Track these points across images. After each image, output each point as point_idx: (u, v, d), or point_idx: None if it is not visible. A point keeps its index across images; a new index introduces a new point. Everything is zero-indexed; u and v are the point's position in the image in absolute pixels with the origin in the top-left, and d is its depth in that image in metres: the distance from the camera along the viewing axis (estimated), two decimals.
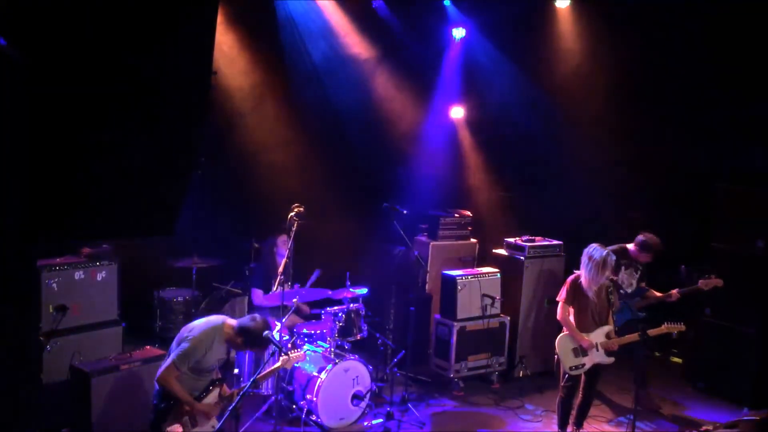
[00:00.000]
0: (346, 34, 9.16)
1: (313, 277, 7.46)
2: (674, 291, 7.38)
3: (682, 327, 6.80)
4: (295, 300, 7.10)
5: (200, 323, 5.33)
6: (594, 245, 6.37)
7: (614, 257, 6.33)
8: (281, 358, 5.52)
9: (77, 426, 5.94)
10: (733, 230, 7.96)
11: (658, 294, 7.43)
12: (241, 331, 5.29)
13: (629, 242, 7.51)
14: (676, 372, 8.79)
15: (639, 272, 7.47)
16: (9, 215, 3.14)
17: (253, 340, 5.31)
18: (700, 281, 7.31)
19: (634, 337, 6.67)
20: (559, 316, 6.50)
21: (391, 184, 9.27)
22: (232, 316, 6.12)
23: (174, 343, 5.30)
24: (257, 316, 5.42)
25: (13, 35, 2.86)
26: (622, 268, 7.43)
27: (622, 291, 7.35)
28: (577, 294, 6.41)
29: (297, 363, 6.70)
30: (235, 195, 8.86)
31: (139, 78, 3.21)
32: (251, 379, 5.37)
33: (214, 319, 5.40)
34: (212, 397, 5.36)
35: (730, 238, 7.98)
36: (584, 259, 6.35)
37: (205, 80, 3.53)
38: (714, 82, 8.41)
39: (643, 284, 7.49)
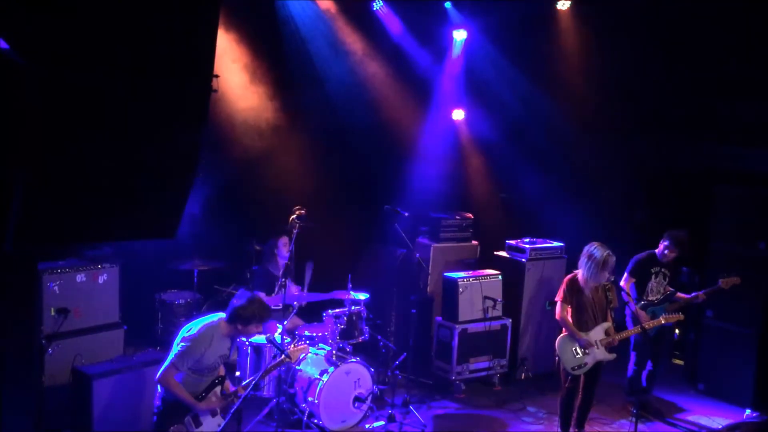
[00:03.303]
0: (347, 36, 9.17)
1: (308, 273, 7.43)
2: (700, 293, 7.26)
3: (680, 316, 6.84)
4: (296, 303, 7.12)
5: (198, 323, 5.34)
6: (594, 244, 6.38)
7: (614, 258, 6.32)
8: (282, 357, 5.52)
9: (78, 428, 5.94)
10: (734, 232, 7.96)
11: (686, 296, 7.32)
12: (232, 317, 5.28)
13: (654, 248, 7.37)
14: (678, 374, 8.79)
15: (667, 279, 7.35)
16: (10, 218, 3.14)
17: (247, 317, 5.28)
18: (721, 281, 7.20)
19: (633, 331, 6.70)
20: (557, 316, 6.51)
21: (392, 186, 9.27)
22: None
23: (174, 344, 5.31)
24: (239, 296, 5.38)
25: (11, 38, 2.87)
26: (652, 276, 7.31)
27: (650, 299, 7.27)
28: (574, 292, 6.42)
29: (299, 365, 6.75)
30: (237, 198, 8.86)
31: (141, 81, 3.21)
32: (255, 377, 5.38)
33: (212, 317, 5.41)
34: (213, 394, 5.37)
35: (730, 240, 7.98)
36: (583, 257, 6.37)
37: (207, 83, 3.53)
38: (715, 84, 8.41)
39: (669, 289, 7.35)
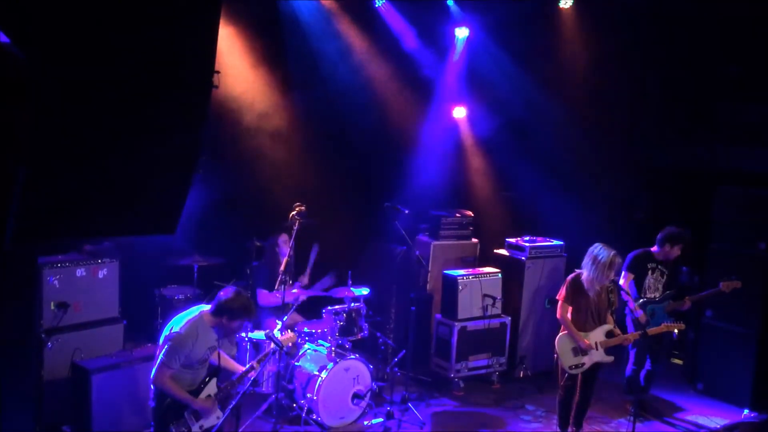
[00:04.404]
0: (348, 33, 9.15)
1: (312, 256, 7.45)
2: (686, 299, 7.23)
3: (681, 326, 6.82)
4: (296, 298, 7.13)
5: (180, 319, 5.29)
6: (599, 245, 6.35)
7: (620, 259, 6.31)
8: (271, 345, 5.54)
9: (78, 423, 5.96)
10: (734, 232, 7.96)
11: (672, 302, 7.27)
12: (218, 310, 5.24)
13: (651, 246, 7.35)
14: (676, 373, 8.80)
15: (665, 276, 7.34)
16: (9, 215, 3.14)
17: (233, 311, 5.24)
18: (722, 283, 7.18)
19: (633, 336, 6.70)
20: (558, 315, 6.50)
21: (392, 183, 9.26)
22: None
23: (162, 342, 5.26)
24: (226, 289, 5.36)
25: (11, 32, 2.87)
26: (649, 272, 7.29)
27: (649, 296, 7.26)
28: (576, 293, 6.41)
29: (298, 361, 6.76)
30: (237, 194, 8.85)
31: (141, 76, 3.21)
32: (248, 367, 5.40)
33: (192, 311, 5.35)
34: (211, 387, 5.36)
35: (730, 240, 7.98)
36: (588, 258, 6.34)
37: (208, 79, 3.52)
38: (716, 84, 8.41)
39: (667, 289, 7.32)
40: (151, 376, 5.17)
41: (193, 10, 3.31)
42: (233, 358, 7.06)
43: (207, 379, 5.36)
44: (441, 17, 9.56)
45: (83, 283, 6.58)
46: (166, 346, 5.13)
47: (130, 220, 3.53)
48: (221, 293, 5.33)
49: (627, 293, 6.90)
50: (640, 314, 7.03)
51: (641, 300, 7.22)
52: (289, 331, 6.18)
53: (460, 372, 7.93)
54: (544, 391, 7.89)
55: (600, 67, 9.12)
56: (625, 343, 6.54)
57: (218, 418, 5.30)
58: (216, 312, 5.26)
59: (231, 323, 5.31)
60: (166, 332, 5.24)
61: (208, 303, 5.49)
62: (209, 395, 5.33)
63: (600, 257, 6.22)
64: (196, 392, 5.27)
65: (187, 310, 5.41)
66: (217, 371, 5.45)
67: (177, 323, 5.25)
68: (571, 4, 9.15)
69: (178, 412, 5.17)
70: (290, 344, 6.14)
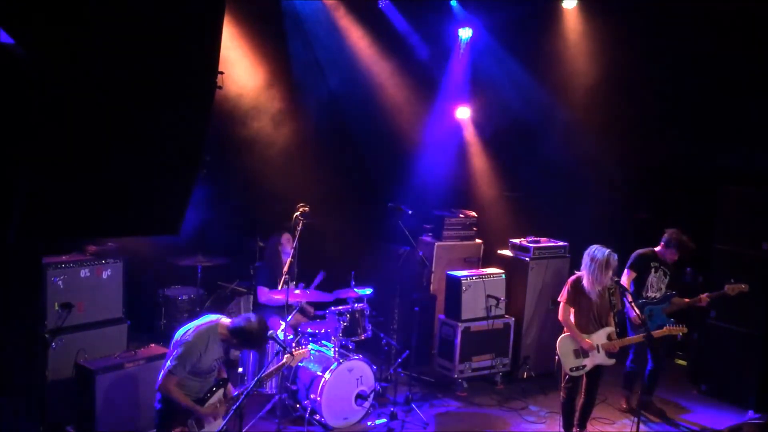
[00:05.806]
0: (351, 33, 9.16)
1: (318, 279, 7.46)
2: (703, 296, 7.21)
3: (684, 329, 6.80)
4: (300, 300, 7.12)
5: (194, 325, 5.27)
6: (595, 246, 6.36)
7: (616, 257, 6.30)
8: (285, 356, 5.51)
9: (81, 423, 5.96)
10: (738, 232, 7.94)
11: (686, 300, 7.27)
12: (236, 331, 5.21)
13: (656, 245, 7.37)
14: (681, 374, 8.78)
15: (668, 277, 7.33)
16: (14, 213, 3.15)
17: (248, 340, 5.24)
18: (727, 286, 7.17)
19: (635, 339, 6.68)
20: (560, 317, 6.49)
21: (396, 184, 9.27)
22: (236, 315, 6.15)
23: (171, 348, 5.26)
24: (252, 315, 5.33)
25: (15, 33, 2.87)
26: (652, 270, 7.30)
27: (649, 296, 7.25)
28: (578, 295, 6.40)
29: (301, 362, 6.76)
30: (241, 194, 8.87)
31: (145, 76, 3.21)
32: (255, 379, 5.37)
33: (208, 319, 5.33)
34: (216, 397, 5.34)
35: (734, 240, 7.96)
36: (586, 260, 6.34)
37: (211, 79, 3.53)
38: (720, 83, 8.38)
39: (670, 291, 7.31)
40: (158, 382, 5.15)
41: (197, 11, 3.31)
42: (237, 358, 7.10)
43: (214, 389, 5.34)
44: (444, 18, 9.56)
45: (87, 284, 6.59)
46: (175, 352, 5.12)
47: (134, 220, 3.54)
48: (247, 318, 5.26)
49: (627, 290, 6.89)
50: (634, 315, 6.93)
51: (640, 300, 7.20)
52: (303, 347, 6.14)
53: (464, 372, 7.93)
54: (547, 392, 7.88)
55: (603, 66, 9.10)
56: (620, 346, 6.50)
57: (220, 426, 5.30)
58: (232, 331, 5.22)
59: (238, 346, 5.41)
60: (177, 337, 5.23)
61: (228, 316, 5.49)
62: (215, 405, 5.30)
63: (596, 257, 6.25)
64: (202, 401, 5.25)
65: (203, 317, 5.40)
66: (225, 382, 5.44)
67: (191, 329, 5.22)
68: (575, 4, 9.14)
69: (182, 417, 5.15)
70: (301, 358, 6.11)
